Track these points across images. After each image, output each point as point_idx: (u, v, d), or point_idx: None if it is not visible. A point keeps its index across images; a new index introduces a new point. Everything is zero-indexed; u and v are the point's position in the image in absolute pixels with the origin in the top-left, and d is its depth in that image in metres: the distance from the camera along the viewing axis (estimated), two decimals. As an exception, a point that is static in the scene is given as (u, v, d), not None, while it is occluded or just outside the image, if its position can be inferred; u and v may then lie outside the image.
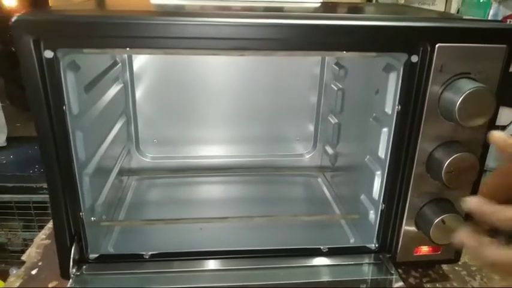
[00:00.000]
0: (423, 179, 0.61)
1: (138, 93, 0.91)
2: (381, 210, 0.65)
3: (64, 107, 0.54)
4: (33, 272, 0.67)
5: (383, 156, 0.65)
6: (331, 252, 0.68)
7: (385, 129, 0.64)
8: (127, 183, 0.91)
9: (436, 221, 0.60)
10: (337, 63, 0.89)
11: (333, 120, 0.91)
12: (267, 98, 0.95)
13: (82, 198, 0.60)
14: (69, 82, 0.56)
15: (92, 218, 0.64)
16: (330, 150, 0.94)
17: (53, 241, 0.61)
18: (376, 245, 0.67)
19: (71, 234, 0.59)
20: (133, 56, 0.87)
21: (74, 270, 0.59)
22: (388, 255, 0.67)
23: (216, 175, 0.97)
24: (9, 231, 1.48)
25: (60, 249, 0.60)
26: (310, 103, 0.97)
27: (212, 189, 0.95)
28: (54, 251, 0.61)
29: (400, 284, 0.62)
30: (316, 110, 0.97)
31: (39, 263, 0.69)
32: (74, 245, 0.60)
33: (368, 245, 0.68)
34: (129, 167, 0.94)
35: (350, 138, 0.85)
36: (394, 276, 0.63)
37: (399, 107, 0.60)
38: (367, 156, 0.71)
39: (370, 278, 0.65)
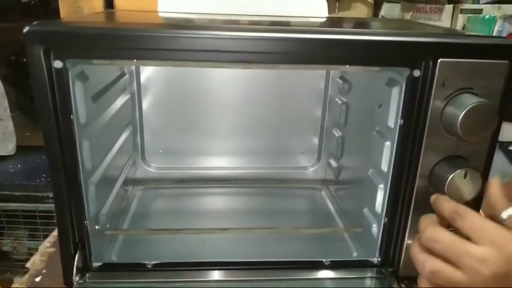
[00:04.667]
0: (426, 193, 0.61)
1: (145, 104, 0.92)
2: (384, 223, 0.65)
3: (72, 116, 0.55)
4: (37, 279, 0.67)
5: (386, 170, 0.65)
6: (333, 265, 0.68)
7: (387, 143, 0.65)
8: (132, 193, 0.92)
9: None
10: (341, 77, 0.90)
11: (337, 133, 0.92)
12: (272, 111, 0.96)
13: (87, 207, 0.60)
14: (77, 92, 0.57)
15: (96, 227, 0.65)
16: (333, 163, 0.95)
17: (58, 249, 0.62)
18: (379, 259, 0.67)
19: (75, 242, 0.60)
20: (141, 67, 0.89)
21: (77, 278, 0.59)
22: (390, 270, 0.66)
23: (220, 186, 0.97)
24: (15, 240, 1.49)
25: (64, 257, 0.60)
26: (314, 116, 0.98)
27: (216, 201, 0.95)
28: (58, 259, 0.61)
29: (402, 298, 0.62)
30: (320, 123, 0.98)
31: (43, 271, 0.69)
32: (78, 253, 0.60)
33: (370, 259, 0.68)
34: (134, 176, 0.95)
35: (354, 151, 0.86)
36: (396, 291, 0.63)
37: (402, 121, 0.60)
38: (370, 170, 0.71)
39: (372, 292, 0.65)
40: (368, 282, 0.66)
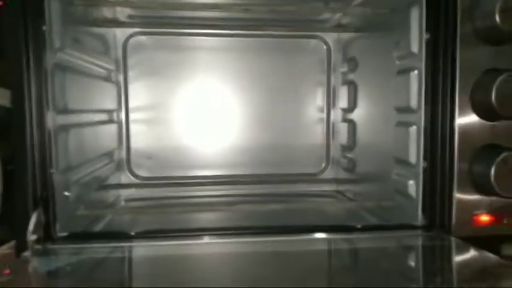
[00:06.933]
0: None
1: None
2: (423, 172, 0.53)
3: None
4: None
5: (415, 106, 0.55)
6: (367, 229, 0.54)
7: (414, 73, 0.55)
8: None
9: (497, 160, 0.48)
10: (345, 60, 0.83)
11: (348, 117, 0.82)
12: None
13: (55, 153, 0.48)
14: None
15: (66, 193, 0.51)
16: (347, 156, 0.83)
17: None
18: (423, 221, 0.54)
19: (35, 194, 0.46)
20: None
21: (33, 238, 0.44)
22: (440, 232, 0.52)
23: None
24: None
25: (19, 213, 0.45)
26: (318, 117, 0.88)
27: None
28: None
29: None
30: (326, 122, 0.88)
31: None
32: (37, 211, 0.45)
33: (412, 222, 0.54)
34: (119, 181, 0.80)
35: (370, 124, 0.74)
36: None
37: (428, 35, 0.52)
38: (394, 121, 0.61)
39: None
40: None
